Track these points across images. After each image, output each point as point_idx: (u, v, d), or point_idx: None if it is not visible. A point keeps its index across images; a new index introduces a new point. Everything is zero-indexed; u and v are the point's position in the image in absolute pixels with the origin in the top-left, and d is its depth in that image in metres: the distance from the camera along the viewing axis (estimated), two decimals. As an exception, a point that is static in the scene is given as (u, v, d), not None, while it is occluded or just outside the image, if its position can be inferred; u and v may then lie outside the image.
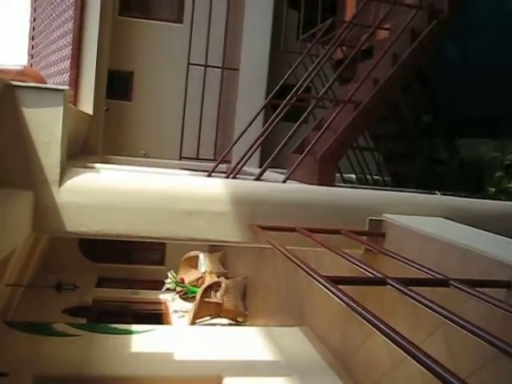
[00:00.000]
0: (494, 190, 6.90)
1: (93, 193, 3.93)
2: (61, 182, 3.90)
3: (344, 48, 7.92)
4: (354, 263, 3.16)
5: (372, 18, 7.66)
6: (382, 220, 4.34)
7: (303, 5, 9.03)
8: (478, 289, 2.64)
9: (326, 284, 2.57)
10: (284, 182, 5.29)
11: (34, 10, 12.28)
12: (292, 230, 4.02)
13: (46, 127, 3.78)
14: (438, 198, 5.07)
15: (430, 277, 2.99)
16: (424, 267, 3.09)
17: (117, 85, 10.66)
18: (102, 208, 3.92)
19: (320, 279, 2.65)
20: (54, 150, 3.84)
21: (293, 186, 5.02)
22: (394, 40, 6.03)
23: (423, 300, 2.43)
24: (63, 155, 3.90)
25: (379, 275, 2.83)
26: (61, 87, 3.80)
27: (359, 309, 2.24)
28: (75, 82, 8.88)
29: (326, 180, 5.66)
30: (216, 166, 6.51)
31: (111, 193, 3.95)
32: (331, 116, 5.99)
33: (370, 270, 2.97)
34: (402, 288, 2.60)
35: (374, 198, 4.67)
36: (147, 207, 4.00)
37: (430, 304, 2.39)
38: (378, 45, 7.13)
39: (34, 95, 3.72)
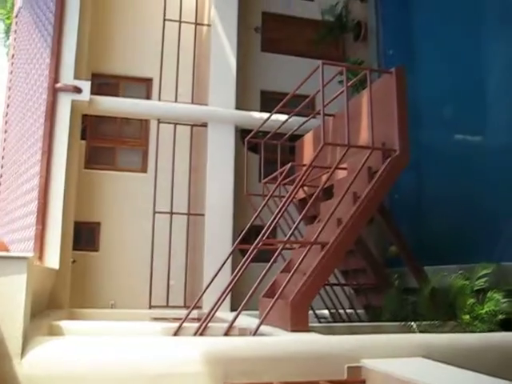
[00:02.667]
0: (468, 317, 6.85)
1: (56, 365, 3.74)
2: (23, 353, 3.72)
3: (305, 188, 8.18)
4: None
5: (329, 159, 8.01)
6: (360, 366, 4.21)
7: (263, 149, 9.43)
8: None
9: None
10: (257, 329, 5.18)
11: (0, 166, 12.50)
12: (269, 386, 3.87)
13: (9, 297, 3.68)
14: (415, 338, 5.01)
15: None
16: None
17: (83, 236, 10.64)
18: (66, 380, 3.72)
19: None
20: (16, 320, 3.71)
21: (266, 339, 4.88)
22: (353, 180, 6.26)
23: None
24: (26, 325, 3.77)
25: None
26: (24, 255, 3.75)
27: None
28: (41, 236, 8.82)
29: (299, 324, 5.58)
30: (188, 316, 6.39)
31: (76, 364, 3.77)
32: (299, 257, 6.03)
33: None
34: None
35: (351, 343, 4.58)
36: (114, 377, 3.80)
37: None
38: (337, 184, 7.39)
39: (-4, 264, 3.66)
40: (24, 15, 12.98)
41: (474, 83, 9.12)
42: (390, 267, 9.30)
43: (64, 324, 6.35)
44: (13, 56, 13.81)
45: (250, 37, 12.11)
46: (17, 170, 11.13)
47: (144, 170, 11.25)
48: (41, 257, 8.62)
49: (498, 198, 8.23)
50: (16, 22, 13.96)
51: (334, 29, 12.18)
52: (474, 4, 9.52)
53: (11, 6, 19.38)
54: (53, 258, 8.70)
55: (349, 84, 7.13)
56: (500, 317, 6.65)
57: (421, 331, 6.73)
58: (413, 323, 6.91)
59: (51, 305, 8.89)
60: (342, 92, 6.90)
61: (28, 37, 12.15)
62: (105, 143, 11.43)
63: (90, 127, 11.29)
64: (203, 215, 10.33)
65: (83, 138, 10.78)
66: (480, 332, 6.44)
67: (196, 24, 11.38)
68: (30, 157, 10.05)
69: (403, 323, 6.92)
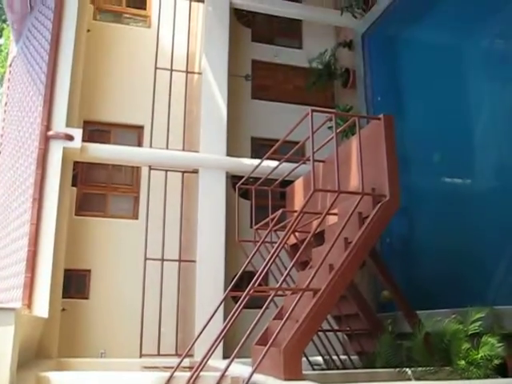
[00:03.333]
0: (463, 362, 6.77)
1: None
2: (10, 408, 3.63)
3: (296, 233, 8.19)
4: None
5: (320, 204, 8.05)
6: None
7: (254, 195, 9.47)
8: None
9: None
10: (249, 378, 5.10)
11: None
12: None
13: (-4, 349, 3.62)
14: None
15: None
16: None
17: (73, 283, 10.54)
18: None
19: None
20: (2, 372, 3.63)
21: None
22: (344, 225, 6.28)
23: None
24: (12, 377, 3.69)
25: None
26: (12, 306, 3.71)
27: None
28: (30, 285, 8.73)
29: (292, 372, 5.51)
30: (179, 364, 6.30)
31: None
32: (291, 304, 5.99)
33: None
34: None
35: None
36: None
37: None
38: (328, 230, 7.41)
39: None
40: (18, 64, 13.19)
41: (461, 128, 9.28)
42: (382, 312, 9.25)
43: (52, 375, 6.21)
44: (6, 104, 13.96)
45: (241, 84, 12.33)
46: (7, 217, 11.09)
47: (135, 216, 11.23)
48: (29, 305, 8.51)
49: (489, 240, 8.27)
50: (10, 71, 14.16)
51: (322, 76, 12.42)
52: (458, 51, 9.80)
53: (5, 55, 19.71)
54: (42, 307, 8.60)
55: (338, 130, 7.24)
56: (496, 362, 6.58)
57: (416, 378, 6.64)
58: (408, 370, 6.82)
59: (39, 354, 8.74)
60: (332, 138, 6.99)
61: (21, 85, 12.31)
62: (96, 190, 11.44)
63: (81, 174, 11.33)
64: (194, 261, 10.27)
65: (74, 184, 10.80)
66: (476, 378, 6.36)
67: (187, 72, 11.59)
68: (20, 204, 10.04)
69: (398, 370, 6.83)
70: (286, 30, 13.66)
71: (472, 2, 9.38)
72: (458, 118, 9.38)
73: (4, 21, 20.45)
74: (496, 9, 8.83)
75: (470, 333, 6.85)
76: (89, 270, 10.74)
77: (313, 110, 6.59)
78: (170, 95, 11.06)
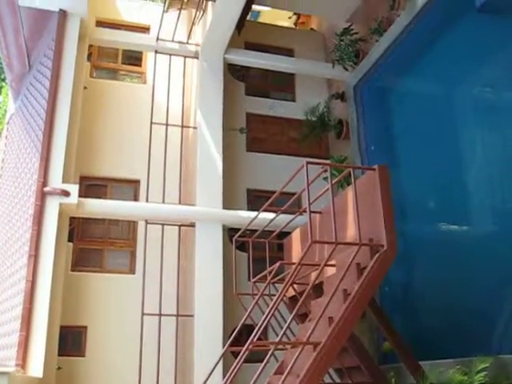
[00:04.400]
0: (472, 416, 6.61)
1: None
2: None
3: (295, 285, 8.12)
4: None
5: (318, 255, 8.02)
6: None
7: (251, 247, 9.44)
8: None
9: None
10: None
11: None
12: None
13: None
14: None
15: None
16: None
17: (69, 341, 10.36)
18: None
19: None
20: None
21: None
22: (342, 277, 6.25)
23: None
24: None
25: None
26: (5, 370, 3.63)
27: None
28: (24, 343, 8.56)
29: (294, 430, 5.35)
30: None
31: None
32: (291, 358, 5.89)
33: None
34: None
35: None
36: None
37: None
38: (327, 281, 7.36)
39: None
40: (16, 121, 13.35)
41: (455, 174, 9.39)
42: (385, 363, 9.07)
43: None
44: (3, 160, 14.04)
45: (236, 137, 12.48)
46: (3, 274, 10.99)
47: (132, 271, 11.16)
48: (24, 365, 8.31)
49: (490, 287, 8.20)
50: (7, 128, 14.32)
51: (316, 128, 12.58)
52: (448, 100, 10.00)
53: (4, 113, 20.00)
54: (36, 367, 8.41)
55: (333, 182, 7.29)
56: (502, 413, 6.44)
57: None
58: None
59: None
60: (328, 189, 7.03)
61: (18, 142, 12.43)
62: (92, 245, 11.41)
63: (78, 229, 11.33)
64: (192, 316, 10.13)
65: (70, 239, 10.78)
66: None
67: (182, 127, 11.72)
68: (16, 260, 9.97)
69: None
70: (279, 84, 13.95)
71: (460, 53, 9.62)
72: (452, 165, 9.50)
73: (3, 79, 20.83)
74: (484, 58, 9.07)
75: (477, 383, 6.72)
76: (85, 327, 10.58)
77: (308, 163, 6.65)
78: (165, 149, 11.15)
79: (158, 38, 11.96)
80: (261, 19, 17.46)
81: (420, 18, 10.01)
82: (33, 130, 10.89)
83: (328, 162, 11.67)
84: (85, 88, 11.53)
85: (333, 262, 7.20)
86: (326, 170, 7.39)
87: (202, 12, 11.96)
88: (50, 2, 10.87)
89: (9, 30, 11.66)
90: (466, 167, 9.38)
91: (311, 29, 15.98)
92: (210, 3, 11.52)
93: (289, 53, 13.85)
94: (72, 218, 10.49)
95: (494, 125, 8.93)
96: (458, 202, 9.23)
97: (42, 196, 9.42)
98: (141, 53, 13.12)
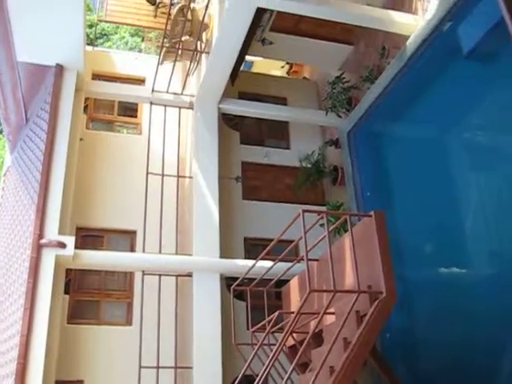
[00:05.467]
0: None
1: None
2: None
3: (294, 334, 8.02)
4: None
5: (317, 303, 7.96)
6: None
7: (249, 296, 9.36)
8: None
9: None
10: None
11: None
12: None
13: None
14: None
15: None
16: None
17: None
18: None
19: None
20: None
21: None
22: (342, 325, 6.18)
23: None
24: None
25: None
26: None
27: None
28: (22, 372, 8.41)
29: None
30: None
31: None
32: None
33: None
34: None
35: None
36: None
37: None
38: (326, 330, 7.28)
39: None
40: (12, 173, 13.40)
41: (451, 217, 9.41)
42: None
43: None
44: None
45: (231, 186, 12.54)
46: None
47: (129, 322, 11.00)
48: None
49: (492, 328, 8.11)
50: (4, 180, 14.35)
51: (311, 175, 12.68)
52: (440, 144, 10.12)
53: (0, 165, 20.08)
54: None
55: (330, 229, 7.29)
56: None
57: None
58: None
59: None
60: (324, 237, 7.03)
61: (15, 194, 12.44)
62: (89, 296, 11.30)
63: (74, 280, 11.24)
64: (191, 368, 9.93)
65: (66, 291, 10.66)
66: None
67: (178, 177, 11.77)
68: (11, 314, 9.83)
69: None
70: (274, 132, 14.12)
71: (450, 98, 9.79)
72: (447, 208, 9.54)
73: (0, 132, 21.03)
74: (474, 102, 9.23)
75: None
76: (81, 381, 10.36)
77: (304, 211, 6.67)
78: (161, 199, 11.16)
79: (153, 90, 12.13)
80: (254, 69, 17.81)
81: (410, 65, 10.23)
82: (29, 182, 10.92)
83: (324, 208, 11.75)
84: (81, 140, 11.62)
85: (332, 310, 7.15)
86: (322, 217, 7.41)
87: (196, 64, 12.18)
88: (47, 57, 11.08)
89: (7, 84, 11.83)
90: (461, 210, 9.42)
91: (304, 77, 16.30)
92: (203, 55, 11.76)
93: (282, 101, 14.09)
94: (68, 270, 10.41)
95: (487, 167, 9.02)
96: (455, 244, 9.24)
97: (38, 248, 9.36)
98: (136, 104, 13.31)
